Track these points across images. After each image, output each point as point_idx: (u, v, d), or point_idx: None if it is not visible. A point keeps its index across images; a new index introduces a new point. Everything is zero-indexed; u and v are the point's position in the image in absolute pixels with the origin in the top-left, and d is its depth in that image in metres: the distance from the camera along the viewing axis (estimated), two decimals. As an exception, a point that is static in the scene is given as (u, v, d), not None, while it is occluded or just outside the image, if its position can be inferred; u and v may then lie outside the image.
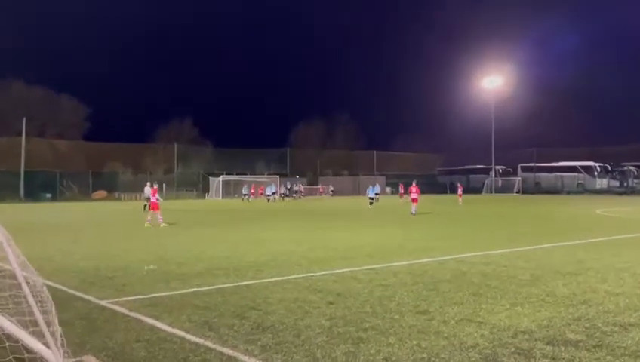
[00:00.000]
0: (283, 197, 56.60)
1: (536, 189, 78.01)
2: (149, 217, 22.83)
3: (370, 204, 38.41)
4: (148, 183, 41.81)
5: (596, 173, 74.50)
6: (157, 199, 23.39)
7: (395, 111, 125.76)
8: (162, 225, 21.79)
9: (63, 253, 13.78)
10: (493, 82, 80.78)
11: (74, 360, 5.15)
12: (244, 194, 55.43)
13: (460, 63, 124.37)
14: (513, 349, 5.50)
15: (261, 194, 59.62)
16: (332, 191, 73.38)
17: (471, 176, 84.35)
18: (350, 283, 9.21)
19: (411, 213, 28.72)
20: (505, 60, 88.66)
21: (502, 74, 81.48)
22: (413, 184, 31.67)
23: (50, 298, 5.13)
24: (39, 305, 4.70)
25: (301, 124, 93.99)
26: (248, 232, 19.31)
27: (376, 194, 40.30)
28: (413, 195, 30.45)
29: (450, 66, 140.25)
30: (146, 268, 10.95)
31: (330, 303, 7.65)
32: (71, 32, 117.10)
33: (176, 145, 74.99)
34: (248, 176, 70.51)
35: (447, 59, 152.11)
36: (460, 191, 46.64)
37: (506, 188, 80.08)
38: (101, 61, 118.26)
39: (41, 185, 61.23)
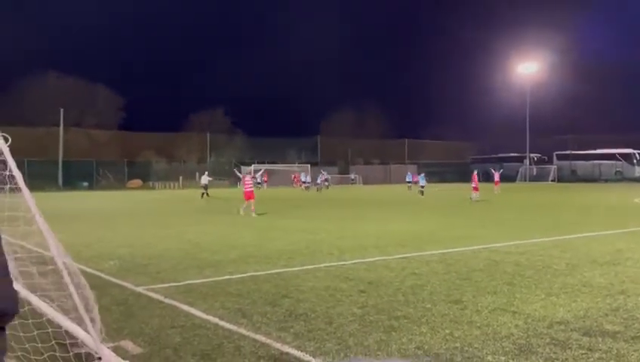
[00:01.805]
0: (307, 187, 56.51)
1: (573, 177, 76.31)
2: (244, 205, 21.78)
3: (420, 193, 38.04)
4: (206, 172, 42.80)
5: (635, 161, 72.40)
6: (251, 187, 22.37)
7: (426, 99, 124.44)
8: (253, 214, 20.92)
9: (100, 240, 14.12)
10: (528, 68, 79.06)
11: (112, 344, 5.29)
12: (258, 183, 55.53)
13: (494, 49, 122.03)
14: (548, 340, 5.42)
15: (298, 182, 59.86)
16: (352, 179, 72.70)
17: (505, 164, 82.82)
18: (382, 271, 9.20)
19: (472, 199, 30.26)
20: (540, 46, 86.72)
21: (537, 59, 79.67)
22: (475, 172, 32.15)
23: (87, 285, 5.27)
24: (78, 291, 4.83)
25: (332, 113, 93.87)
26: (279, 220, 19.43)
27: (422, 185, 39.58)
28: (476, 184, 31.37)
29: (484, 52, 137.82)
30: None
31: (362, 291, 7.66)
32: (105, 22, 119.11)
33: (209, 135, 75.72)
34: (279, 164, 70.85)
35: (481, 45, 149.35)
36: (496, 178, 45.84)
37: (540, 177, 78.55)
38: (134, 51, 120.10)
39: (78, 174, 62.72)
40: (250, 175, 22.92)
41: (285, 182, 58.74)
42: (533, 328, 5.82)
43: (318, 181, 54.15)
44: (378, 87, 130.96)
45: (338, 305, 6.91)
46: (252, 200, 21.43)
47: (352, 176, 73.59)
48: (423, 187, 38.80)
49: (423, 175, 41.01)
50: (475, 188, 31.08)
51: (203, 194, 38.40)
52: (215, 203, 32.97)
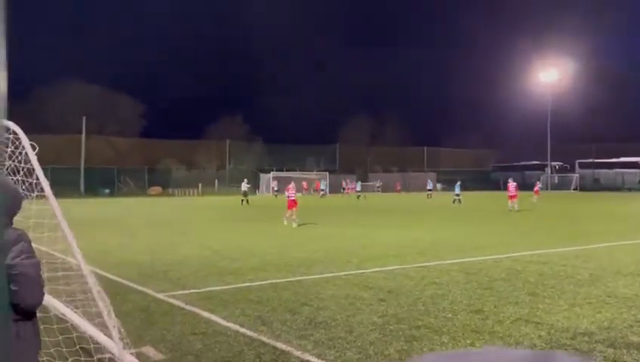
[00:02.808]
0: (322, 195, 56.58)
1: (595, 186, 75.21)
2: (287, 214, 21.18)
3: (457, 201, 37.40)
4: (245, 179, 43.27)
5: (660, 169, 71.16)
6: (293, 196, 21.62)
7: (446, 105, 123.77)
8: (294, 224, 20.15)
9: (121, 247, 14.29)
10: (550, 75, 78.29)
11: (134, 350, 5.35)
12: (276, 190, 55.55)
13: (515, 55, 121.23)
14: (572, 351, 5.35)
15: (308, 189, 60.12)
16: (379, 186, 72.47)
17: (526, 172, 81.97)
18: (402, 280, 9.17)
19: (511, 210, 29.15)
20: (562, 52, 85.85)
21: (559, 66, 78.89)
22: (510, 181, 31.26)
23: (103, 292, 5.34)
24: (102, 297, 4.91)
25: (350, 120, 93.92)
26: (299, 228, 19.46)
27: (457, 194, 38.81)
28: (512, 192, 30.28)
29: (506, 59, 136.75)
30: None
31: (382, 300, 7.64)
32: (125, 29, 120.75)
33: (228, 142, 76.22)
34: (298, 172, 71.01)
35: (503, 51, 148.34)
36: (537, 187, 44.87)
37: (562, 185, 77.57)
38: (154, 59, 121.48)
39: (100, 181, 63.53)
40: (292, 185, 22.23)
41: (300, 190, 59.11)
42: (557, 339, 5.75)
43: (358, 188, 54.35)
44: (396, 93, 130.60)
45: (358, 314, 6.90)
46: (294, 210, 20.92)
47: (377, 183, 73.13)
48: (458, 195, 38.21)
49: (459, 183, 40.41)
50: (512, 197, 29.89)
51: (243, 201, 38.78)
52: (250, 210, 33.13)
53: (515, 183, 30.74)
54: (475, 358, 0.76)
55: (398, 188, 69.68)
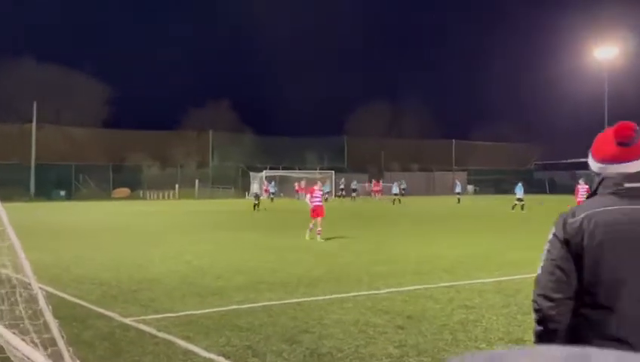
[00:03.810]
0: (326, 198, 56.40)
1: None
2: (311, 225, 19.89)
3: (520, 207, 36.95)
4: (257, 179, 43.27)
5: None
6: (320, 201, 20.56)
7: (478, 91, 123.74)
8: (319, 238, 19.02)
9: (80, 261, 14.31)
10: (606, 52, 78.00)
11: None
12: (272, 193, 55.42)
13: (562, 29, 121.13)
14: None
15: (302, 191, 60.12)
16: (403, 190, 69.40)
17: (577, 171, 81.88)
18: (424, 303, 9.18)
19: None
20: (622, 24, 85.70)
21: (617, 41, 78.67)
22: (581, 183, 30.74)
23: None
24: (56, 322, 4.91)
25: (362, 108, 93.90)
26: (298, 238, 19.46)
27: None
28: (582, 197, 29.61)
29: (550, 33, 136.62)
30: None
31: (400, 327, 7.65)
32: (90, 1, 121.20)
33: (211, 133, 76.19)
34: (297, 171, 71.04)
35: (547, 23, 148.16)
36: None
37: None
38: (125, 34, 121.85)
39: (54, 181, 63.61)
40: (318, 185, 21.26)
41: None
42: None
43: (395, 190, 54.04)
44: (418, 76, 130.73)
45: (370, 344, 6.91)
46: (320, 219, 19.72)
47: (402, 186, 70.08)
48: (521, 200, 37.70)
49: (520, 184, 40.08)
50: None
51: (255, 205, 38.95)
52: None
53: (587, 186, 30.10)
54: (515, 357, 0.76)
55: (377, 188, 63.95)
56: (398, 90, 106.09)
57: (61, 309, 8.51)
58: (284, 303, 9.25)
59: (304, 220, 29.41)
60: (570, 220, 2.65)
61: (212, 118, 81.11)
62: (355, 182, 65.20)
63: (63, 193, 62.71)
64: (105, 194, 65.10)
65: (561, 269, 2.60)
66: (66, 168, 65.53)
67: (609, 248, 2.55)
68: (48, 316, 4.79)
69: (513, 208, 37.00)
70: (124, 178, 69.92)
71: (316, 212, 19.85)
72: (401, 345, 6.86)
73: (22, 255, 4.74)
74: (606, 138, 2.77)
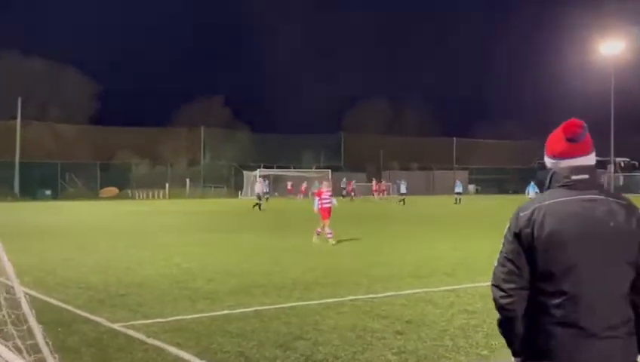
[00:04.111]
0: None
1: (671, 188, 75.27)
2: (319, 229, 19.32)
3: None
4: (260, 179, 43.28)
5: None
6: (330, 202, 19.80)
7: (480, 87, 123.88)
8: (331, 241, 18.52)
9: (66, 263, 14.28)
10: (613, 47, 78.05)
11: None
12: (266, 193, 55.34)
13: (567, 23, 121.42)
14: None
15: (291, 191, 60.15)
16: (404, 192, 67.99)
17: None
18: (424, 307, 9.18)
19: None
20: (629, 17, 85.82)
21: (625, 36, 78.76)
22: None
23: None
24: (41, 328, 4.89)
25: (360, 105, 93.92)
26: (293, 240, 19.45)
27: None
28: None
29: (555, 27, 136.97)
30: None
31: (399, 333, 7.64)
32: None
33: (203, 130, 76.03)
34: (292, 169, 71.01)
35: (551, 17, 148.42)
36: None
37: (629, 187, 77.50)
38: (113, 28, 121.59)
39: (39, 180, 63.49)
40: (326, 185, 20.61)
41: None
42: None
43: (403, 190, 53.45)
44: (418, 71, 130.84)
45: (368, 350, 6.90)
46: (328, 221, 19.30)
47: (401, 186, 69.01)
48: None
49: (533, 183, 39.83)
50: None
51: (256, 205, 39.22)
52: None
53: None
54: None
55: (378, 188, 62.68)
56: (397, 87, 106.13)
57: (46, 314, 8.49)
58: (278, 308, 9.23)
59: (299, 221, 29.41)
60: (522, 213, 2.88)
61: (204, 114, 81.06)
62: (353, 181, 64.97)
63: (48, 192, 62.62)
64: (92, 194, 64.98)
65: (512, 262, 2.83)
66: (52, 166, 65.37)
67: (558, 237, 2.77)
68: (32, 321, 4.76)
69: None
70: (112, 177, 69.82)
71: (326, 213, 19.38)
72: (399, 351, 6.85)
73: (4, 257, 4.72)
74: (557, 135, 3.04)
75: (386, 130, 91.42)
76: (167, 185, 67.30)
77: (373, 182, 63.30)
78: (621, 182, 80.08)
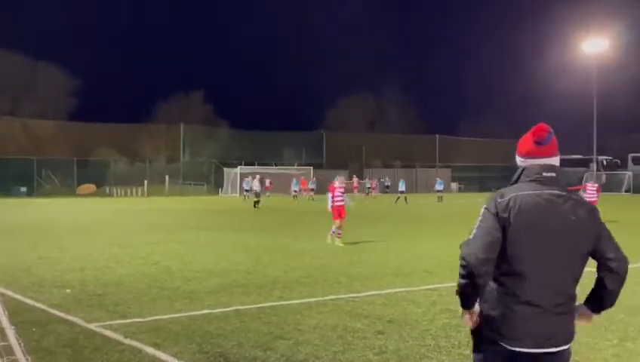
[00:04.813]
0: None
1: (654, 187, 76.08)
2: (333, 228, 18.47)
3: None
4: (258, 176, 43.20)
5: None
6: (342, 201, 18.77)
7: (464, 84, 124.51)
8: (338, 242, 17.79)
9: (42, 262, 14.14)
10: (595, 45, 78.72)
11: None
12: (246, 190, 55.26)
13: (551, 21, 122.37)
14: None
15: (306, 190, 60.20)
16: (387, 187, 69.27)
17: (564, 169, 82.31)
18: (405, 307, 9.21)
19: None
20: (612, 16, 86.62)
21: (607, 34, 79.48)
22: (592, 182, 29.16)
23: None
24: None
25: (341, 100, 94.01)
26: (274, 239, 19.45)
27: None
28: (591, 197, 26.97)
29: (538, 25, 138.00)
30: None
31: (380, 332, 7.67)
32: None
33: (182, 126, 75.70)
34: (273, 167, 70.96)
35: (534, 16, 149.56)
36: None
37: (611, 186, 78.31)
38: (91, 22, 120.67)
39: (14, 177, 62.88)
40: (339, 181, 19.42)
41: (283, 190, 58.97)
42: (603, 383, 5.80)
43: (402, 188, 53.04)
44: (401, 68, 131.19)
45: (349, 350, 6.91)
46: (342, 221, 18.37)
47: (386, 183, 69.20)
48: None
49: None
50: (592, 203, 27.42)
51: (255, 203, 39.45)
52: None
53: (597, 185, 28.80)
54: None
55: (305, 186, 61.03)
56: (380, 85, 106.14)
57: (20, 314, 8.43)
58: (258, 307, 9.22)
59: (280, 219, 29.40)
60: (500, 199, 3.33)
61: (183, 111, 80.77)
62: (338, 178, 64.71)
63: (23, 189, 62.05)
64: (69, 191, 64.53)
65: (492, 235, 3.25)
66: (28, 163, 64.71)
67: (528, 225, 3.23)
68: (4, 321, 4.72)
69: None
70: (89, 173, 69.32)
71: (339, 213, 18.36)
72: (381, 351, 6.86)
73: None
74: (527, 138, 3.55)
75: (368, 128, 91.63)
76: (145, 182, 66.90)
77: (354, 180, 63.36)
78: (603, 180, 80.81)
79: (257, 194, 40.52)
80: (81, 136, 71.05)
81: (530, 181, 3.39)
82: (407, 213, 36.11)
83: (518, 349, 3.21)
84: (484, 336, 3.34)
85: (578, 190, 42.53)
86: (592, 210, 3.36)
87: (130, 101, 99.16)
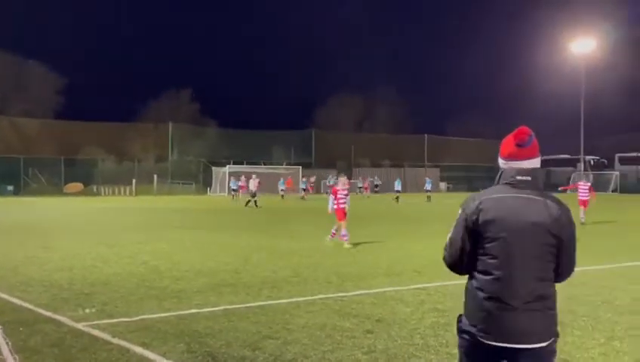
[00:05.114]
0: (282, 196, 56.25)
1: (640, 187, 76.58)
2: (333, 230, 18.16)
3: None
4: (253, 175, 43.18)
5: None
6: (345, 203, 18.15)
7: (452, 84, 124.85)
8: (346, 245, 17.23)
9: (29, 261, 14.07)
10: (583, 46, 79.05)
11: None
12: (234, 190, 55.09)
13: (539, 22, 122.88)
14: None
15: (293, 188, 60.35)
16: (376, 186, 70.65)
17: (552, 169, 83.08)
18: (394, 306, 9.23)
19: (584, 223, 25.45)
20: (600, 16, 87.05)
21: (595, 35, 79.84)
22: (584, 181, 28.52)
23: None
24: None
25: (330, 99, 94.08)
26: (262, 239, 19.43)
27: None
28: (583, 196, 27.07)
29: (526, 26, 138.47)
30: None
31: (369, 332, 7.68)
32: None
33: (170, 125, 75.52)
34: (262, 166, 70.85)
35: (522, 16, 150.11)
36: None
37: (598, 186, 78.45)
38: (79, 21, 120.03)
39: (0, 175, 62.54)
40: (343, 182, 18.89)
41: (270, 189, 58.98)
42: (590, 382, 5.83)
43: (398, 187, 53.14)
44: (390, 67, 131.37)
45: (338, 349, 6.91)
46: (344, 222, 17.89)
47: (375, 183, 69.97)
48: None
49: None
50: (584, 203, 27.03)
51: (249, 201, 39.63)
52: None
53: (589, 183, 28.37)
54: None
55: (290, 186, 61.31)
56: (369, 84, 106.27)
57: (7, 313, 8.39)
58: (247, 306, 9.20)
59: (269, 218, 29.37)
60: (472, 203, 3.55)
61: (172, 110, 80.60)
62: (330, 178, 64.88)
63: (10, 188, 61.78)
64: (56, 190, 64.28)
65: (462, 241, 3.55)
66: (15, 161, 64.46)
67: (498, 225, 3.41)
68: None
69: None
70: (77, 172, 69.04)
71: (342, 214, 17.87)
72: (370, 350, 6.87)
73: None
74: (508, 140, 3.69)
75: (357, 127, 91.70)
76: (134, 181, 66.62)
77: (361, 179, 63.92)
78: (591, 180, 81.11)
79: (253, 194, 40.50)
80: (69, 135, 70.62)
81: (505, 184, 3.56)
82: (398, 212, 36.18)
83: (492, 343, 3.39)
84: (463, 326, 3.57)
85: (568, 190, 42.99)
86: (561, 214, 3.46)
87: (118, 100, 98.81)
